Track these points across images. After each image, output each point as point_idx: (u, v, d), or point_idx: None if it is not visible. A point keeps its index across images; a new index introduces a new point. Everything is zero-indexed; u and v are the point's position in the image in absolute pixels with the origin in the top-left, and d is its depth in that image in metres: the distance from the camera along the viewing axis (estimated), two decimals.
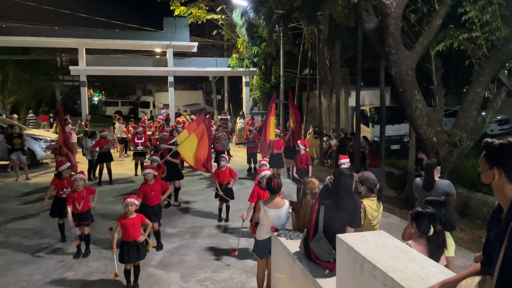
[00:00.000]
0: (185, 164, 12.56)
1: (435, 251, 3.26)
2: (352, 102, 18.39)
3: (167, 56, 22.19)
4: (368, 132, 17.53)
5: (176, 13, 21.63)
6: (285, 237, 4.69)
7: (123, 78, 41.98)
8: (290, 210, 5.06)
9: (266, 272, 5.31)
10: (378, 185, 4.59)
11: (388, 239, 3.16)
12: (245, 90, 23.36)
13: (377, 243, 3.06)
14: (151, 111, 37.46)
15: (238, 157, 16.51)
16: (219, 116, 21.85)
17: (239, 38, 22.01)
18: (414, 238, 3.42)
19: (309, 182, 4.92)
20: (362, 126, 18.21)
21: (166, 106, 31.39)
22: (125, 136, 17.54)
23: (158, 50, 24.18)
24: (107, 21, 22.58)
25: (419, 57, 8.58)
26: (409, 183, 10.86)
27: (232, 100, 31.86)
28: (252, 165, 14.40)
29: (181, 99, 33.56)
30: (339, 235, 3.23)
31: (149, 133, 16.45)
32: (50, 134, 16.30)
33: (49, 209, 7.87)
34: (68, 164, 7.87)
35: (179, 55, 23.91)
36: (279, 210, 4.94)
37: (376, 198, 4.61)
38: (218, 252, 7.19)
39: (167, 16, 21.75)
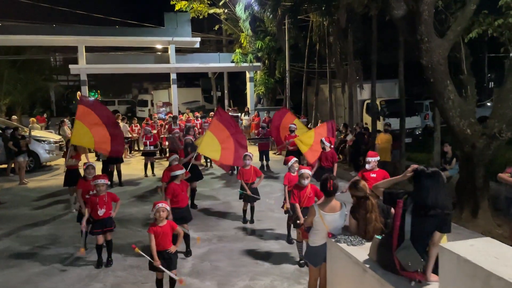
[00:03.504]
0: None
1: None
2: (361, 95, 17.98)
3: (169, 52, 21.63)
4: (379, 125, 17.12)
5: (177, 8, 21.04)
6: (345, 243, 4.25)
7: (119, 77, 41.20)
8: (347, 213, 4.62)
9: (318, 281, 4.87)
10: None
11: (503, 247, 2.73)
12: (249, 86, 22.84)
13: (494, 253, 2.62)
14: (149, 110, 36.79)
15: None
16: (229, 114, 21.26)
17: (242, 32, 21.50)
18: None
19: (363, 186, 4.49)
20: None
21: (166, 104, 30.82)
22: (130, 136, 17.01)
23: (159, 46, 23.60)
24: (106, 18, 21.89)
25: (451, 45, 8.16)
26: None
27: (232, 96, 31.37)
28: (264, 162, 13.93)
29: (179, 96, 32.96)
30: (444, 245, 2.80)
31: (154, 131, 15.93)
32: (53, 136, 15.73)
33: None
34: (89, 163, 7.36)
35: (179, 51, 23.33)
36: (335, 214, 4.49)
37: None
38: (251, 257, 6.74)
39: (168, 11, 21.18)
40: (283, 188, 7.30)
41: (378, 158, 7.36)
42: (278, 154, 16.93)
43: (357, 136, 13.60)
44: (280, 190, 11.05)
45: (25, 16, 20.57)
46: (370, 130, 14.64)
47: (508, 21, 7.80)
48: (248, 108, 21.46)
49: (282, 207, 7.25)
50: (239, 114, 20.63)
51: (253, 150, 15.70)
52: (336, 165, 9.27)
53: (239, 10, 19.75)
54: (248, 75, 22.86)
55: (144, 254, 5.22)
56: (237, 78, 35.30)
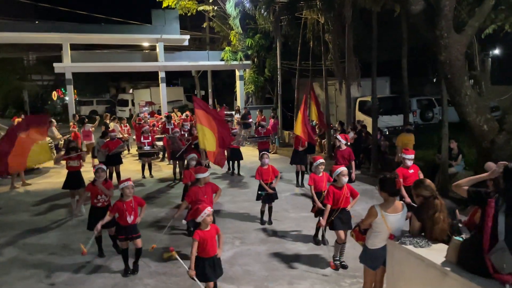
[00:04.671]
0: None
1: None
2: (353, 93, 17.90)
3: (157, 50, 21.07)
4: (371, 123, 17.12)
5: (164, 4, 20.51)
6: (412, 245, 4.06)
7: (96, 76, 39.92)
8: (407, 213, 4.45)
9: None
10: None
11: None
12: (239, 84, 22.48)
13: None
14: (130, 110, 35.90)
15: (243, 153, 15.71)
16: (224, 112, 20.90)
17: (231, 30, 21.15)
18: None
19: (430, 184, 4.32)
20: (365, 117, 17.83)
21: (148, 103, 30.12)
22: (121, 136, 16.46)
23: (146, 44, 22.98)
24: (91, 15, 21.08)
25: (469, 41, 8.13)
26: (443, 174, 10.45)
27: (215, 95, 30.95)
28: None
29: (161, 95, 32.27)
30: None
31: None
32: None
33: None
34: (99, 166, 6.97)
35: (166, 49, 22.78)
36: (398, 215, 4.31)
37: None
38: (281, 260, 6.49)
39: (155, 8, 20.63)
40: (310, 189, 7.07)
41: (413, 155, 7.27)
42: (274, 153, 16.71)
43: (358, 134, 13.51)
44: (288, 190, 10.85)
45: (6, 13, 19.60)
46: (367, 129, 14.56)
47: None
48: (239, 107, 21.15)
49: (312, 211, 7.03)
50: (233, 113, 20.29)
51: (246, 150, 15.54)
52: (353, 163, 9.11)
53: (230, 7, 19.37)
54: (237, 73, 22.49)
55: (180, 259, 4.93)
56: (217, 77, 34.79)
